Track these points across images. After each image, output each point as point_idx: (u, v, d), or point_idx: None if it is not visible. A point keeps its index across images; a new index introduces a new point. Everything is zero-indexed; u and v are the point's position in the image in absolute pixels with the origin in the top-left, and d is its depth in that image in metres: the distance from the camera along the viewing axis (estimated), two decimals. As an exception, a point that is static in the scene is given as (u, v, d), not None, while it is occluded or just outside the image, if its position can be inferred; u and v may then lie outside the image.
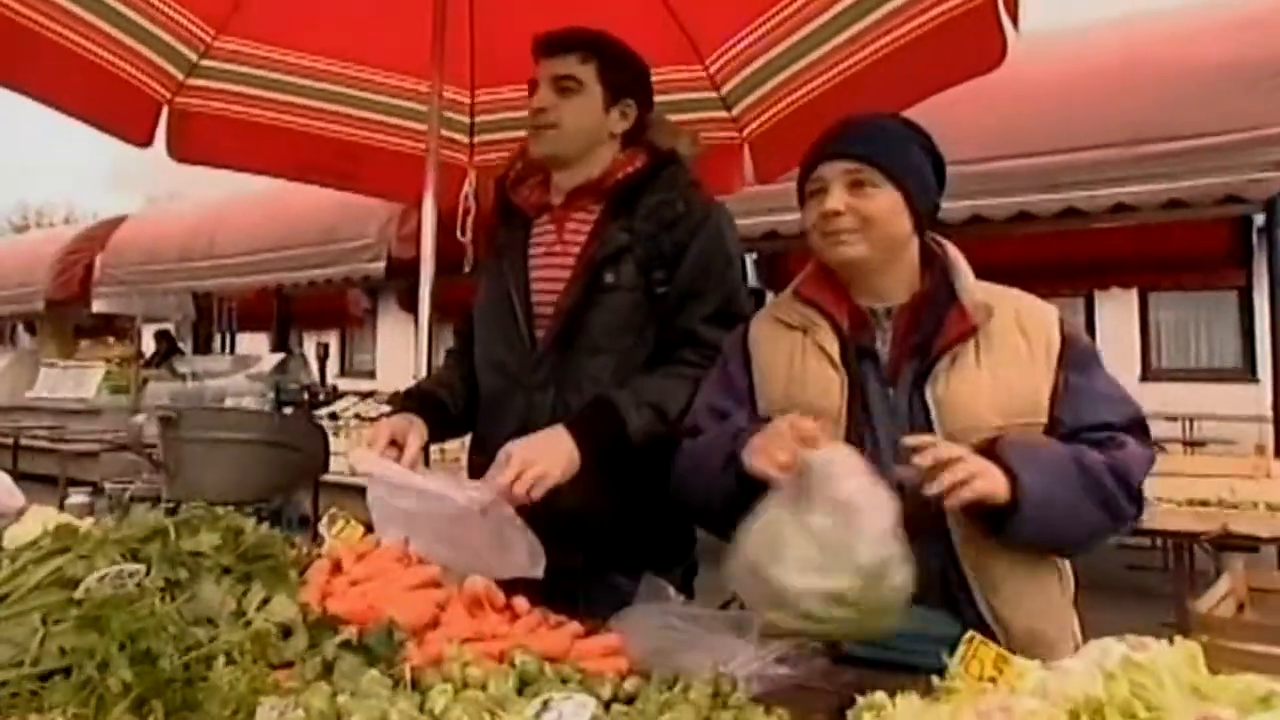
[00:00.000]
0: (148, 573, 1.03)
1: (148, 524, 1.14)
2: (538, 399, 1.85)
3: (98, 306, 9.93)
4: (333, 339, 13.18)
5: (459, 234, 2.80)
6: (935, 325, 1.52)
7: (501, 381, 1.92)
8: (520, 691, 1.02)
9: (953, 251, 1.61)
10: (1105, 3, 5.85)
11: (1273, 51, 4.27)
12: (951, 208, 4.59)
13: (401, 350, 13.41)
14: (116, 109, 2.85)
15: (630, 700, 1.11)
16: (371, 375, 13.78)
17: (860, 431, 1.52)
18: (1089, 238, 6.10)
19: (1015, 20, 2.10)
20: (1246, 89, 4.22)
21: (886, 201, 1.54)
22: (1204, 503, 3.39)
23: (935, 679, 1.06)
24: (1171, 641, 1.02)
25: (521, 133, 3.18)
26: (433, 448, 1.92)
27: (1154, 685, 0.86)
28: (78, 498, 2.26)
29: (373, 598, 1.20)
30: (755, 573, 1.28)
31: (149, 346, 11.50)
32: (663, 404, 1.75)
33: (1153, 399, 8.21)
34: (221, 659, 0.86)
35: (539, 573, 1.55)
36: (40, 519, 1.65)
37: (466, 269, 2.89)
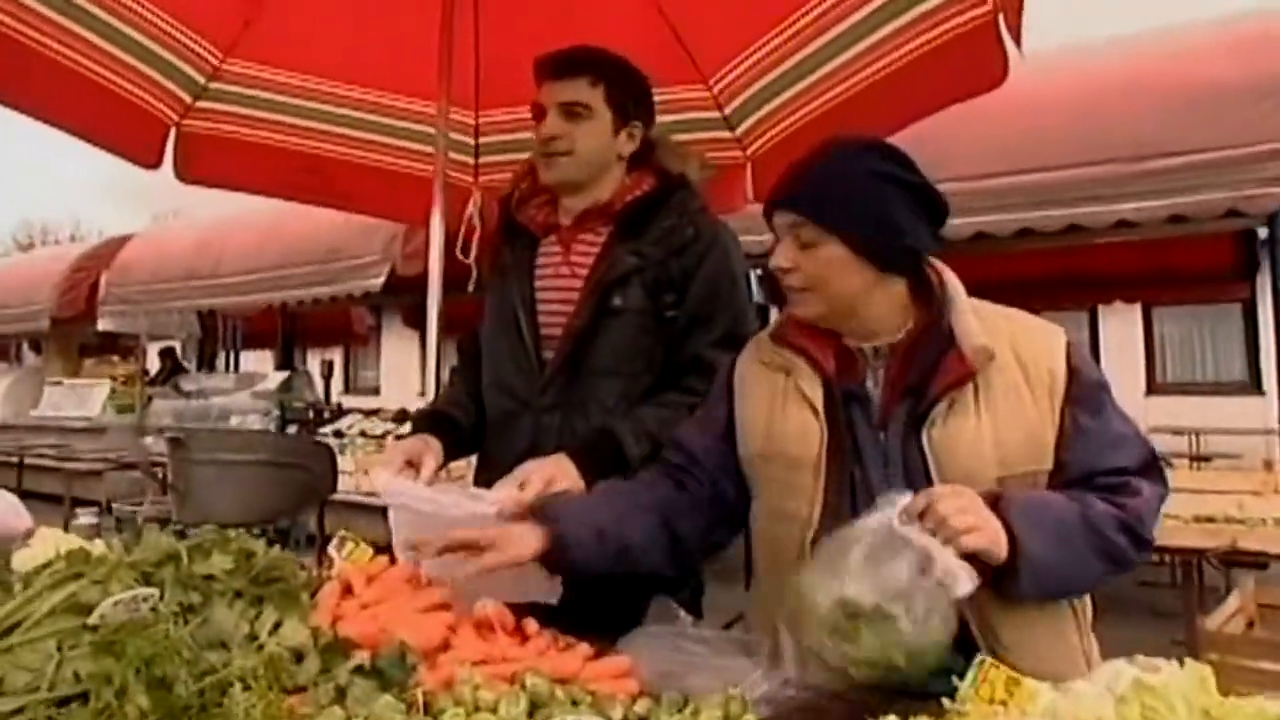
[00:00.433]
0: (161, 597, 1.03)
1: (160, 548, 1.14)
2: (545, 421, 1.86)
3: (103, 325, 9.97)
4: (336, 356, 13.19)
5: (459, 254, 2.82)
6: (931, 367, 1.43)
7: (509, 403, 1.92)
8: (531, 714, 1.03)
9: (951, 285, 1.50)
10: (1107, 20, 5.88)
11: (1274, 67, 4.30)
12: (955, 225, 4.61)
13: (405, 367, 13.43)
14: (126, 132, 2.87)
15: (642, 721, 1.11)
16: (376, 392, 13.78)
17: (843, 480, 1.45)
18: (1092, 253, 6.11)
19: (1018, 40, 2.10)
20: (1248, 104, 4.24)
21: (829, 257, 1.44)
22: (1211, 519, 3.38)
23: (946, 701, 1.06)
24: (1182, 662, 1.02)
25: (527, 154, 3.24)
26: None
27: (1165, 709, 0.86)
28: (85, 518, 2.26)
29: (384, 620, 1.21)
30: (813, 589, 1.24)
31: (153, 364, 11.54)
32: (663, 434, 1.74)
33: (1157, 413, 8.22)
34: (237, 685, 0.86)
35: (554, 599, 1.55)
36: (49, 542, 1.66)
37: (471, 288, 2.91)
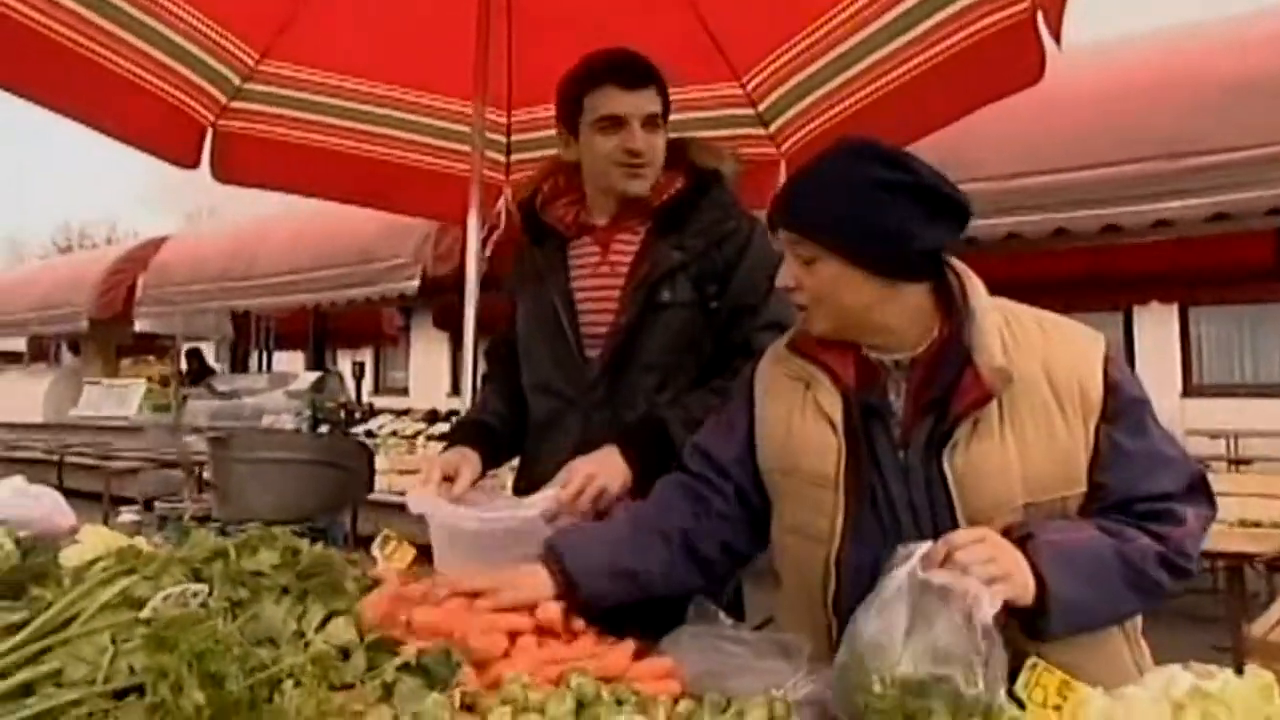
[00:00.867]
0: (210, 593, 1.04)
1: (209, 545, 1.15)
2: (595, 418, 1.86)
3: (140, 326, 10.12)
4: (366, 357, 13.31)
5: (485, 252, 2.83)
6: (951, 382, 1.36)
7: (555, 403, 1.93)
8: (577, 713, 1.02)
9: (971, 292, 1.41)
10: (1143, 15, 5.80)
11: (1315, 62, 4.22)
12: (987, 225, 4.56)
13: (435, 368, 13.52)
14: (163, 132, 2.91)
15: (687, 722, 1.10)
16: (405, 393, 13.88)
17: (863, 496, 1.41)
18: (1127, 252, 6.02)
19: (1058, 37, 2.08)
20: (1287, 101, 4.16)
21: (827, 272, 1.38)
22: (1257, 524, 3.32)
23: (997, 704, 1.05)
24: (1239, 669, 1.00)
25: (557, 150, 3.24)
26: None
27: (1226, 716, 0.84)
28: (127, 516, 2.29)
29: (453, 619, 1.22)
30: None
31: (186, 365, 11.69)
32: None
33: (1194, 415, 8.09)
34: (290, 682, 0.86)
35: None
36: (96, 538, 1.69)
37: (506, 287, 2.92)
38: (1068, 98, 4.54)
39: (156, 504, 2.16)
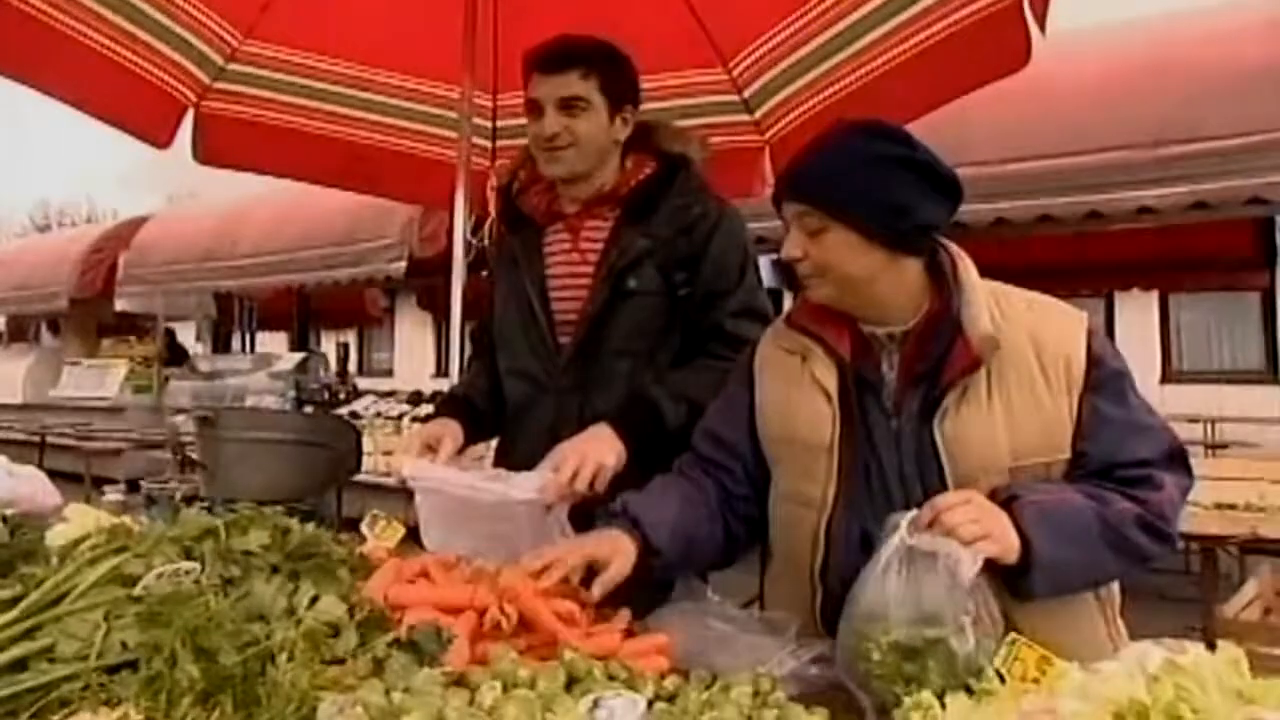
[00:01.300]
0: (202, 570, 1.05)
1: (199, 523, 1.16)
2: (565, 403, 1.90)
3: (121, 305, 10.03)
4: (351, 338, 13.25)
5: (470, 236, 2.83)
6: (942, 354, 1.42)
7: (528, 388, 1.96)
8: (568, 689, 1.04)
9: (963, 269, 1.48)
10: (1129, 3, 5.82)
11: (1299, 53, 4.26)
12: (975, 210, 4.58)
13: (419, 349, 13.47)
14: (140, 111, 2.87)
15: (671, 699, 1.12)
16: (389, 374, 13.83)
17: (858, 465, 1.46)
18: (1109, 238, 6.06)
19: (1042, 24, 2.10)
20: (1273, 90, 4.19)
21: (837, 242, 1.43)
22: (1231, 506, 3.38)
23: (973, 681, 1.07)
24: (1210, 646, 1.03)
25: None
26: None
27: (1198, 688, 0.87)
28: (112, 495, 2.29)
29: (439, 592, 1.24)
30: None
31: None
32: (698, 397, 1.77)
33: (1174, 401, 8.17)
34: (283, 656, 0.88)
35: None
36: (84, 518, 1.69)
37: (485, 271, 2.92)
38: (1056, 85, 4.57)
39: (144, 484, 2.16)
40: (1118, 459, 1.39)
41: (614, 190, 1.93)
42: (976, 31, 2.29)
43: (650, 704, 1.09)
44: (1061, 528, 1.30)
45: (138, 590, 0.97)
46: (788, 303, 1.80)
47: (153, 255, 9.15)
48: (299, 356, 8.61)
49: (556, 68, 1.86)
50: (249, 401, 7.94)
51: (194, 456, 3.42)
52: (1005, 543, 1.26)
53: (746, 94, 2.94)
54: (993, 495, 1.33)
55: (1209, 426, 8.07)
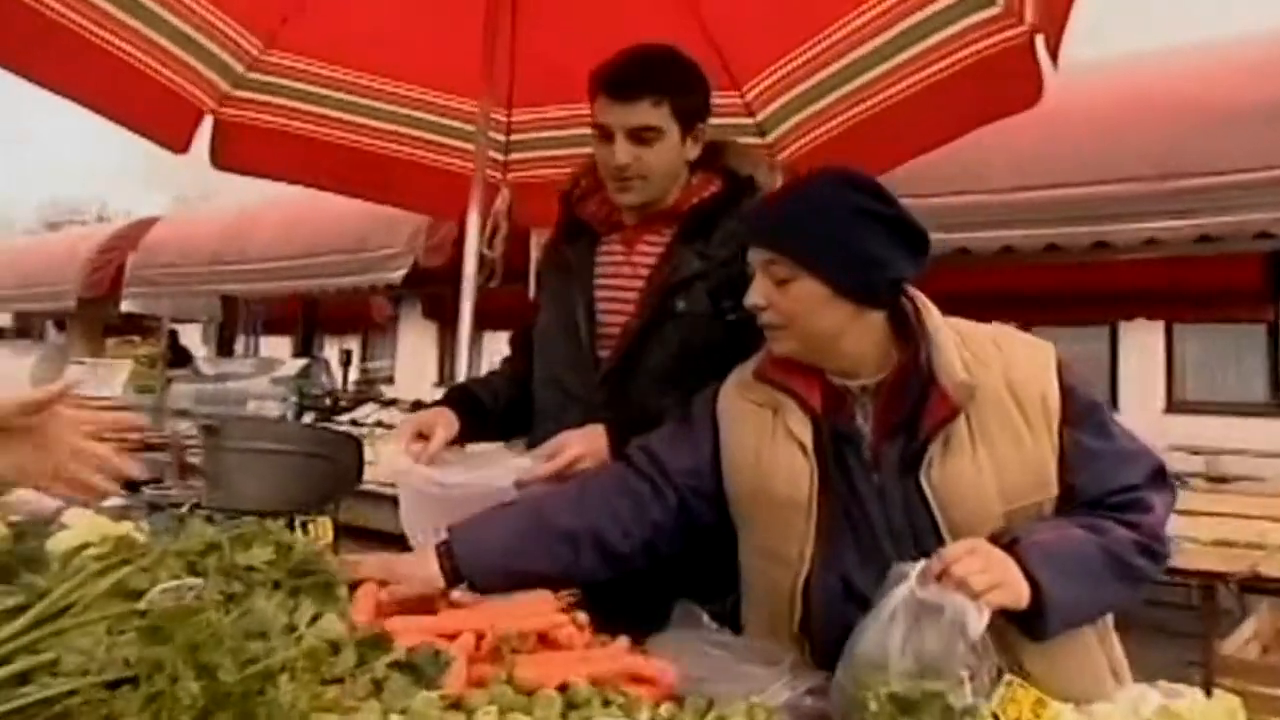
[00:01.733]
0: (204, 585, 1.06)
1: (204, 536, 1.17)
2: (595, 417, 1.82)
3: (127, 306, 10.04)
4: (354, 344, 13.26)
5: (484, 249, 2.84)
6: (916, 404, 1.40)
7: (560, 399, 1.91)
8: (565, 714, 1.04)
9: (929, 316, 1.46)
10: (1140, 36, 5.85)
11: (1308, 89, 4.27)
12: (981, 238, 4.59)
13: (422, 358, 13.48)
14: (157, 116, 2.90)
15: (669, 724, 1.13)
16: (390, 381, 13.85)
17: (835, 521, 1.44)
18: (1115, 268, 6.06)
19: (1055, 59, 2.11)
20: (1280, 125, 4.20)
21: (802, 293, 1.42)
22: (1231, 544, 3.36)
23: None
24: (1207, 690, 1.03)
25: (556, 151, 3.25)
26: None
27: (1193, 736, 0.87)
28: (113, 501, 2.29)
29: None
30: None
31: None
32: None
33: (1176, 432, 8.16)
34: (284, 675, 0.88)
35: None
36: (85, 524, 1.69)
37: (494, 283, 2.94)
38: (1066, 114, 4.57)
39: (145, 490, 2.17)
40: (1107, 488, 1.40)
41: (674, 206, 1.88)
42: (988, 67, 2.31)
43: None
44: (1067, 566, 1.31)
45: (142, 605, 0.97)
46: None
47: (160, 257, 9.17)
48: (302, 362, 8.61)
49: (627, 95, 1.78)
50: (251, 406, 7.94)
51: (195, 461, 3.44)
52: (1016, 590, 1.26)
53: (760, 117, 2.96)
54: (993, 540, 1.32)
55: (1212, 459, 8.06)
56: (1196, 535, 3.41)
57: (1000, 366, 1.42)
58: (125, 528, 1.50)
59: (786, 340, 1.47)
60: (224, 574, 1.11)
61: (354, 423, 7.29)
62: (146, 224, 10.17)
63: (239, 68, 2.96)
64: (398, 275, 6.93)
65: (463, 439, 1.88)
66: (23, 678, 0.86)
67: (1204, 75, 4.80)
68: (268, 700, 0.85)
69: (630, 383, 1.83)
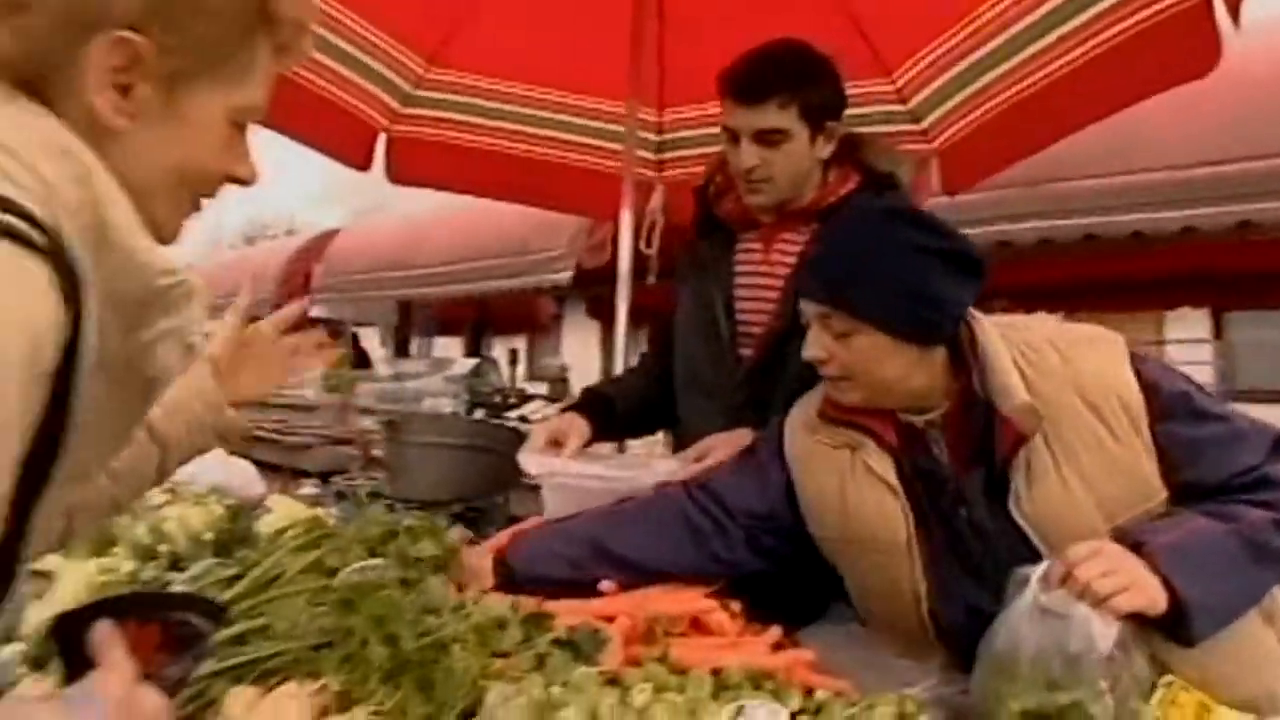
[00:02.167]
0: (387, 567, 1.18)
1: (384, 524, 1.29)
2: (740, 418, 1.84)
3: (315, 312, 10.79)
4: (520, 344, 13.75)
5: (644, 246, 2.89)
6: (986, 434, 1.34)
7: (703, 399, 1.92)
8: (715, 696, 1.09)
9: (984, 341, 1.37)
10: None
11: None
12: (1064, 226, 4.36)
13: (586, 356, 13.82)
14: (341, 137, 3.13)
15: (816, 712, 1.15)
16: (558, 380, 14.23)
17: (936, 554, 1.39)
18: (1161, 254, 5.53)
19: (1236, 18, 1.97)
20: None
21: (864, 346, 1.36)
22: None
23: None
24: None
25: (708, 148, 3.29)
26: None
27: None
28: (308, 488, 2.51)
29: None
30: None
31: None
32: None
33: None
34: (456, 646, 0.97)
35: None
36: (284, 508, 1.87)
37: (651, 279, 3.00)
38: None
39: (334, 480, 2.37)
40: (1226, 474, 1.29)
41: (811, 204, 1.85)
42: (1158, 34, 2.17)
43: (794, 716, 1.12)
44: (1203, 561, 1.22)
45: (335, 581, 1.09)
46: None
47: (343, 265, 9.86)
48: (472, 362, 9.03)
49: (752, 98, 1.77)
50: (426, 403, 8.39)
51: (378, 454, 3.70)
52: (1150, 594, 1.18)
53: (912, 103, 2.89)
54: (1118, 543, 1.24)
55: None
56: None
57: (1066, 376, 1.33)
58: (316, 512, 1.66)
59: (851, 391, 1.41)
60: (401, 560, 1.23)
61: (522, 419, 7.58)
62: (329, 236, 10.94)
63: (406, 86, 3.15)
64: (564, 277, 7.18)
65: (594, 441, 1.91)
66: (241, 638, 0.99)
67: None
68: (443, 666, 0.94)
69: (772, 383, 1.82)
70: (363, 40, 2.90)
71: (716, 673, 1.15)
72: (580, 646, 1.13)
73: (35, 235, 0.66)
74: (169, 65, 0.78)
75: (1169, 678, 1.05)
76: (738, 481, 1.56)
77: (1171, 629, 1.21)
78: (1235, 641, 1.28)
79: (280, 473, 7.07)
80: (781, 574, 1.57)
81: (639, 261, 2.88)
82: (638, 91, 2.84)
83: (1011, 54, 2.50)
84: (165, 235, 0.83)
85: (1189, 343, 7.38)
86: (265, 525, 1.63)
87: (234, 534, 1.45)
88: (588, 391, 2.09)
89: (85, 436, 0.73)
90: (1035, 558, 1.29)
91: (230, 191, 0.91)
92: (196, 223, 0.89)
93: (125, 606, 0.79)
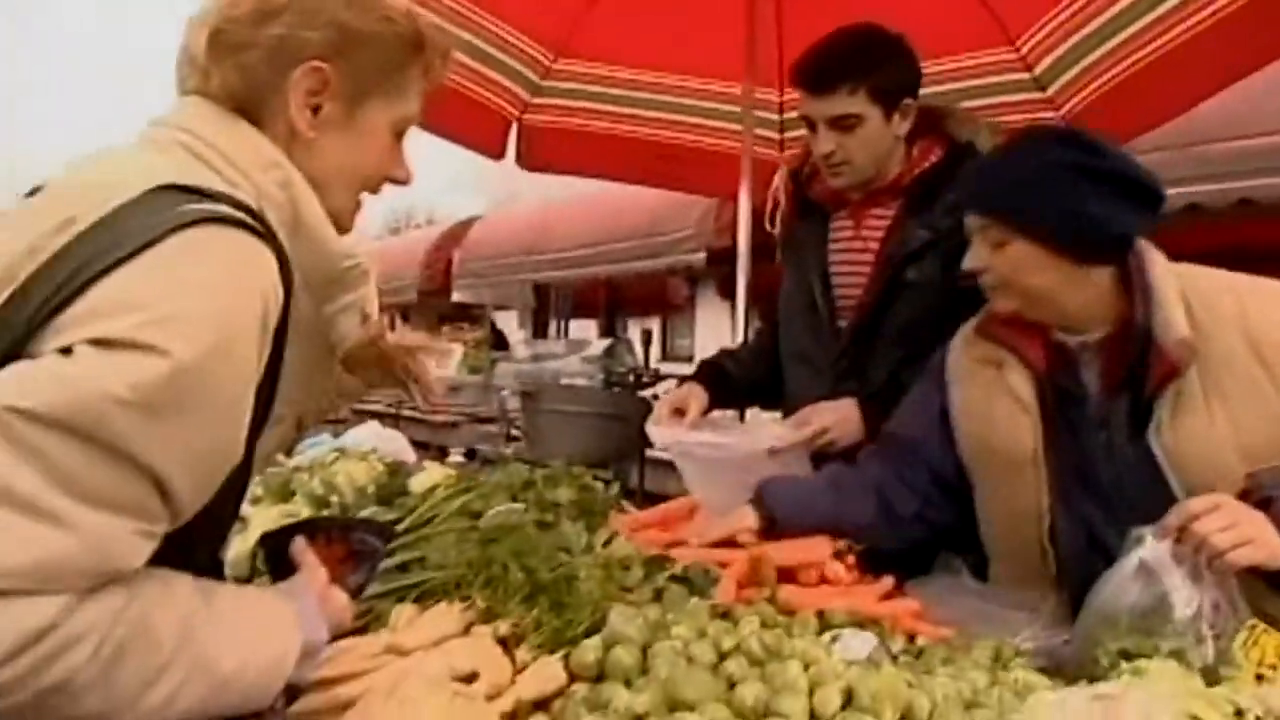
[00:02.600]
0: (525, 511, 1.33)
1: (522, 476, 1.45)
2: (841, 388, 1.94)
3: (456, 296, 11.29)
4: (654, 325, 13.93)
5: (767, 225, 2.97)
6: (1140, 362, 1.37)
7: (806, 370, 2.04)
8: (819, 634, 1.18)
9: (1153, 273, 1.40)
10: None
11: None
12: (1216, 190, 4.07)
13: (719, 336, 13.87)
14: (476, 128, 3.33)
15: (918, 655, 1.23)
16: (690, 360, 14.36)
17: (1066, 475, 1.43)
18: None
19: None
20: None
21: (1018, 255, 1.41)
22: None
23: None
24: None
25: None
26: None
27: None
28: (456, 457, 2.72)
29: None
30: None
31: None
32: None
33: None
34: (583, 573, 1.12)
35: None
36: (435, 472, 2.07)
37: (778, 258, 3.07)
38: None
39: (478, 449, 2.57)
40: None
41: (898, 179, 1.93)
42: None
43: (896, 658, 1.19)
44: None
45: (481, 523, 1.26)
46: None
47: (481, 251, 10.24)
48: (606, 342, 9.25)
49: (822, 87, 1.86)
50: (564, 382, 8.66)
51: (517, 430, 3.93)
52: (1269, 548, 1.19)
53: (1037, 71, 2.86)
54: (1244, 496, 1.26)
55: None
56: None
57: (1237, 320, 1.34)
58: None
59: (1006, 299, 1.48)
60: (538, 505, 1.38)
61: (656, 398, 7.74)
62: (468, 224, 11.37)
63: (535, 77, 3.32)
64: (696, 258, 7.26)
65: (716, 407, 2.03)
66: (402, 566, 1.16)
67: None
68: (573, 589, 1.08)
69: (869, 352, 1.93)
70: (493, 35, 3.08)
71: (821, 615, 1.25)
72: (694, 582, 1.25)
73: (259, 226, 0.85)
74: (348, 88, 0.98)
75: (1254, 621, 1.08)
76: (907, 414, 1.68)
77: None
78: None
79: (428, 450, 7.51)
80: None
81: (769, 240, 2.95)
82: (753, 73, 2.91)
83: (1137, 17, 2.45)
84: (342, 225, 1.03)
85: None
86: (417, 484, 1.82)
87: (392, 487, 1.65)
88: (705, 364, 2.22)
89: (285, 388, 0.91)
90: (1164, 490, 1.34)
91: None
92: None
93: (315, 528, 0.99)
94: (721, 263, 7.64)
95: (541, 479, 1.46)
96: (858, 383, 1.92)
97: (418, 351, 1.44)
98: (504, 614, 1.06)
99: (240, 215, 0.84)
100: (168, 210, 0.80)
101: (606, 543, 1.37)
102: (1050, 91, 2.86)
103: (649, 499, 2.62)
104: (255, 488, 1.77)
